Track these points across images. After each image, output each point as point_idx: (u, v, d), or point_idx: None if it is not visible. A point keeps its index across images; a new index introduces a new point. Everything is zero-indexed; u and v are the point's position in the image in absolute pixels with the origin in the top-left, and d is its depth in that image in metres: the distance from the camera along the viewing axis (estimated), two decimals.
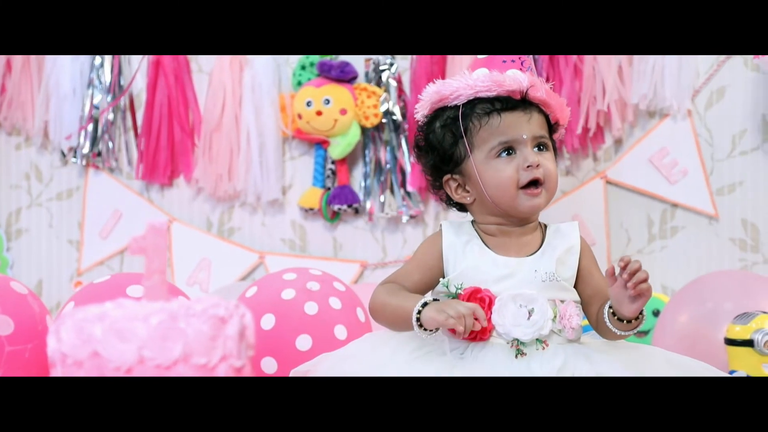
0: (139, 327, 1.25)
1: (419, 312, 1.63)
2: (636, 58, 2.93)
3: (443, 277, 1.76)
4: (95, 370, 1.25)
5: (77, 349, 1.27)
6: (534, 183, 1.74)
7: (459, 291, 1.72)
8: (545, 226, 1.83)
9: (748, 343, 2.24)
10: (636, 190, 3.02)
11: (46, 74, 3.24)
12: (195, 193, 3.28)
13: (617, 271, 1.63)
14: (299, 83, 3.09)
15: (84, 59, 3.24)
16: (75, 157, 3.27)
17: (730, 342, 2.28)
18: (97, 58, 3.23)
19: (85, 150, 3.25)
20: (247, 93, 3.14)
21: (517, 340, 1.70)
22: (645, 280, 1.61)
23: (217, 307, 1.28)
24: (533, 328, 1.69)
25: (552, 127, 1.83)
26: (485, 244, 1.78)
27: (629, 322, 1.69)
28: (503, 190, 1.74)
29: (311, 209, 3.13)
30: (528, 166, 1.72)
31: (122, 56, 3.25)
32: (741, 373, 2.27)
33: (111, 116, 3.26)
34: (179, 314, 1.26)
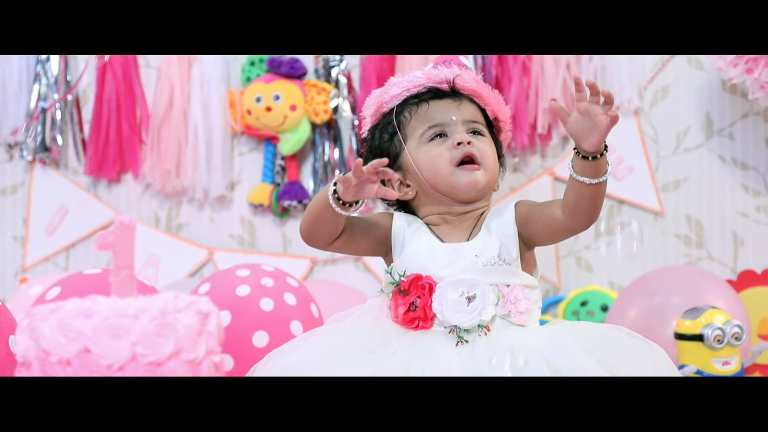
0: (132, 323, 1.24)
1: (335, 184, 1.64)
2: (584, 56, 2.96)
3: (382, 250, 1.78)
4: (84, 369, 1.23)
5: (63, 347, 1.25)
6: (470, 160, 1.74)
7: (402, 278, 1.71)
8: (489, 210, 1.82)
9: (698, 337, 2.31)
10: None
11: None
12: (143, 189, 3.24)
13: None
14: (248, 79, 3.07)
15: None
16: (21, 152, 3.23)
17: (680, 337, 2.36)
18: None
19: (32, 145, 3.21)
20: (196, 89, 3.11)
21: (456, 327, 1.68)
22: (604, 96, 1.56)
23: (199, 302, 1.29)
24: (472, 314, 1.67)
25: (491, 122, 1.83)
26: (432, 232, 1.77)
27: (594, 158, 1.59)
28: (437, 170, 1.73)
29: (261, 205, 3.12)
30: (459, 143, 1.72)
31: None
32: (691, 367, 2.31)
33: (58, 111, 3.22)
34: (167, 309, 1.26)
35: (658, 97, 3.02)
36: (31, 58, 3.19)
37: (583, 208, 1.65)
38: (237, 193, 3.20)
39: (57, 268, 3.26)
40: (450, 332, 1.68)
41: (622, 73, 2.95)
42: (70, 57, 3.21)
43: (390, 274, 1.74)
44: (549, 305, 3.04)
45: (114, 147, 3.18)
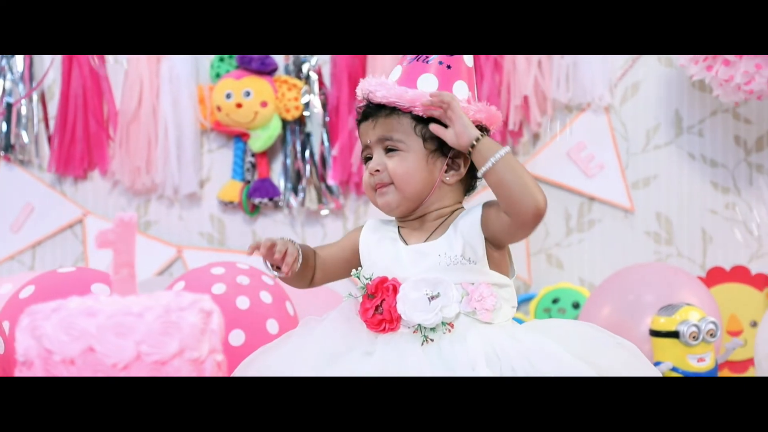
0: (136, 322, 1.25)
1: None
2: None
3: (358, 266, 1.79)
4: (88, 367, 1.24)
5: (66, 345, 1.25)
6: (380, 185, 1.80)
7: (367, 281, 1.74)
8: (462, 210, 1.83)
9: (674, 334, 2.32)
10: (554, 184, 3.07)
11: None
12: (110, 186, 3.24)
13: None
14: (218, 75, 3.06)
15: None
16: None
17: (655, 333, 2.36)
18: None
19: (12, 145, 3.22)
20: (165, 84, 3.11)
21: (420, 325, 1.70)
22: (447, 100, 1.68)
23: (202, 301, 1.30)
24: (434, 312, 1.69)
25: (427, 121, 1.78)
26: (399, 236, 1.81)
27: (473, 147, 1.69)
28: (366, 192, 1.84)
29: (231, 202, 3.11)
30: (369, 173, 1.80)
31: None
32: (667, 364, 2.33)
33: (23, 107, 3.21)
34: (171, 308, 1.27)
35: (628, 94, 3.05)
36: None
37: (503, 199, 1.68)
38: (206, 191, 3.20)
39: (23, 267, 3.26)
40: (414, 332, 1.70)
41: (594, 70, 2.99)
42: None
43: (358, 277, 1.77)
44: (520, 303, 3.00)
45: (81, 143, 3.19)
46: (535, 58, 2.96)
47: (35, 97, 3.22)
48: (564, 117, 3.08)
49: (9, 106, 3.16)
